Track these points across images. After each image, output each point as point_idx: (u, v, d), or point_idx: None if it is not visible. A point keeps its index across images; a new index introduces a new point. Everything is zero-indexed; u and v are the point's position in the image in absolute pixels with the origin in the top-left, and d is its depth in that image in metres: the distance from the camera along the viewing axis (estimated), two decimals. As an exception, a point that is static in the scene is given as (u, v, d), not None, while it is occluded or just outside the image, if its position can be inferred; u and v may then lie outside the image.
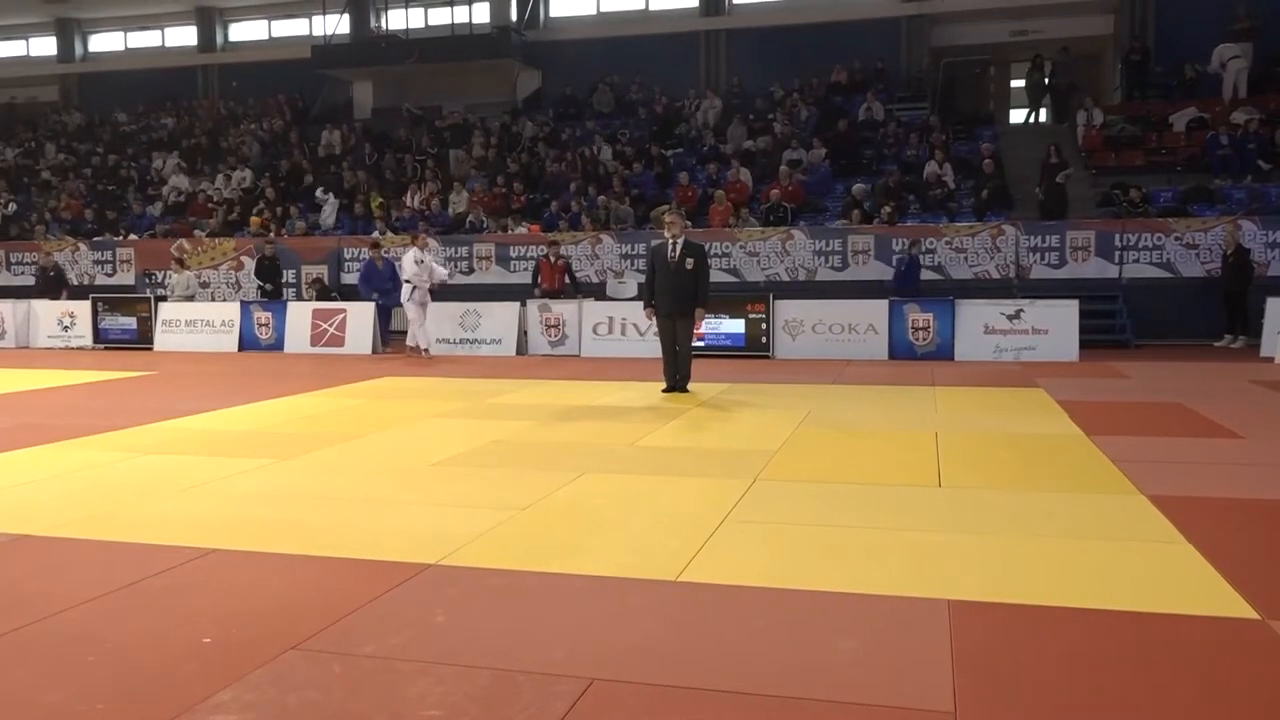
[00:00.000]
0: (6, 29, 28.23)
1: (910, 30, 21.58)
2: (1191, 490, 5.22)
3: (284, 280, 16.51)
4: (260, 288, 16.16)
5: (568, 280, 14.66)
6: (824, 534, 4.48)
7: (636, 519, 4.76)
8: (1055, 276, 14.33)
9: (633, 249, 15.64)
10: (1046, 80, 19.65)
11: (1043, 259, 14.44)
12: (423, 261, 13.38)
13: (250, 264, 17.19)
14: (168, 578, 3.92)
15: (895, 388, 9.78)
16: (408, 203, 19.06)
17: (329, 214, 18.89)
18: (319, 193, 19.35)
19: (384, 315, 14.28)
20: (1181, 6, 19.63)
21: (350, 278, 16.63)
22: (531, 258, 16.06)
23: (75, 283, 18.04)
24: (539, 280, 14.76)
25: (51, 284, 17.01)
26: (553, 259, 14.70)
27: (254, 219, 18.97)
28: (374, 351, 14.08)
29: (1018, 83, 22.71)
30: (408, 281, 13.41)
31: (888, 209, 15.38)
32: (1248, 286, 13.12)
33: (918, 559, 4.06)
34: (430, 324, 13.74)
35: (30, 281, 17.91)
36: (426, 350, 13.49)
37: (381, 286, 14.02)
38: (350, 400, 9.18)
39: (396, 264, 14.31)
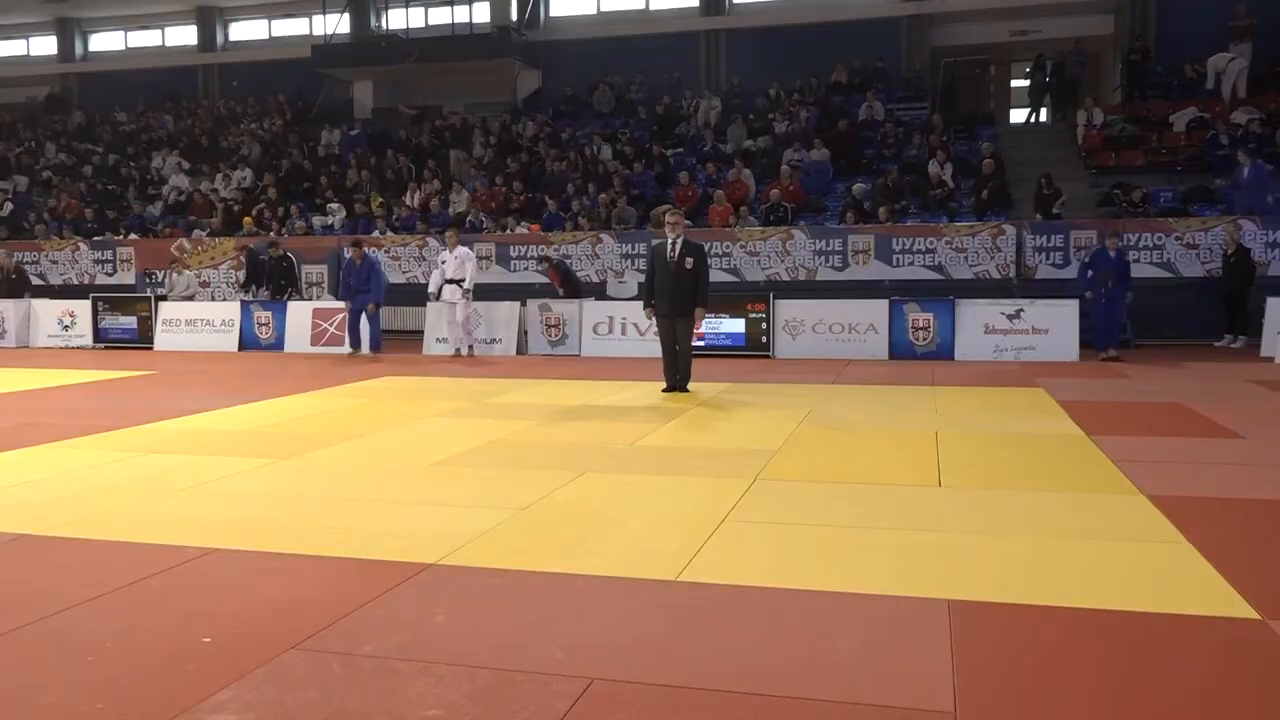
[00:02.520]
0: (6, 28, 28.23)
1: (910, 30, 21.58)
2: (1191, 490, 5.22)
3: (296, 281, 16.19)
4: (275, 286, 15.75)
5: (564, 283, 14.53)
6: (824, 534, 4.48)
7: (636, 519, 4.76)
8: (1059, 276, 14.34)
9: (633, 249, 15.63)
10: (1047, 79, 19.66)
11: (1047, 259, 14.45)
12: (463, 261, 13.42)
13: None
14: (168, 578, 3.92)
15: (895, 388, 9.78)
16: (407, 202, 19.06)
17: (336, 223, 18.84)
18: (330, 207, 19.28)
19: (355, 316, 13.91)
20: (1181, 6, 19.63)
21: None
22: (531, 257, 16.08)
23: (41, 283, 18.06)
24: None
25: (13, 286, 16.88)
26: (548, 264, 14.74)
27: (246, 219, 18.96)
28: (355, 351, 13.85)
29: (1018, 83, 22.77)
30: (451, 281, 13.36)
31: (885, 210, 15.36)
32: (1249, 286, 13.11)
33: (918, 559, 4.06)
34: (443, 324, 13.84)
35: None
36: (471, 350, 13.55)
37: (361, 287, 13.74)
38: (350, 400, 9.18)
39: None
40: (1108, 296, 12.17)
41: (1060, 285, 13.99)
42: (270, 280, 15.63)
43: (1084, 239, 14.39)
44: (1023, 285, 14.16)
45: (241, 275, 16.51)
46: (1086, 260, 12.87)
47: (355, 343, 13.80)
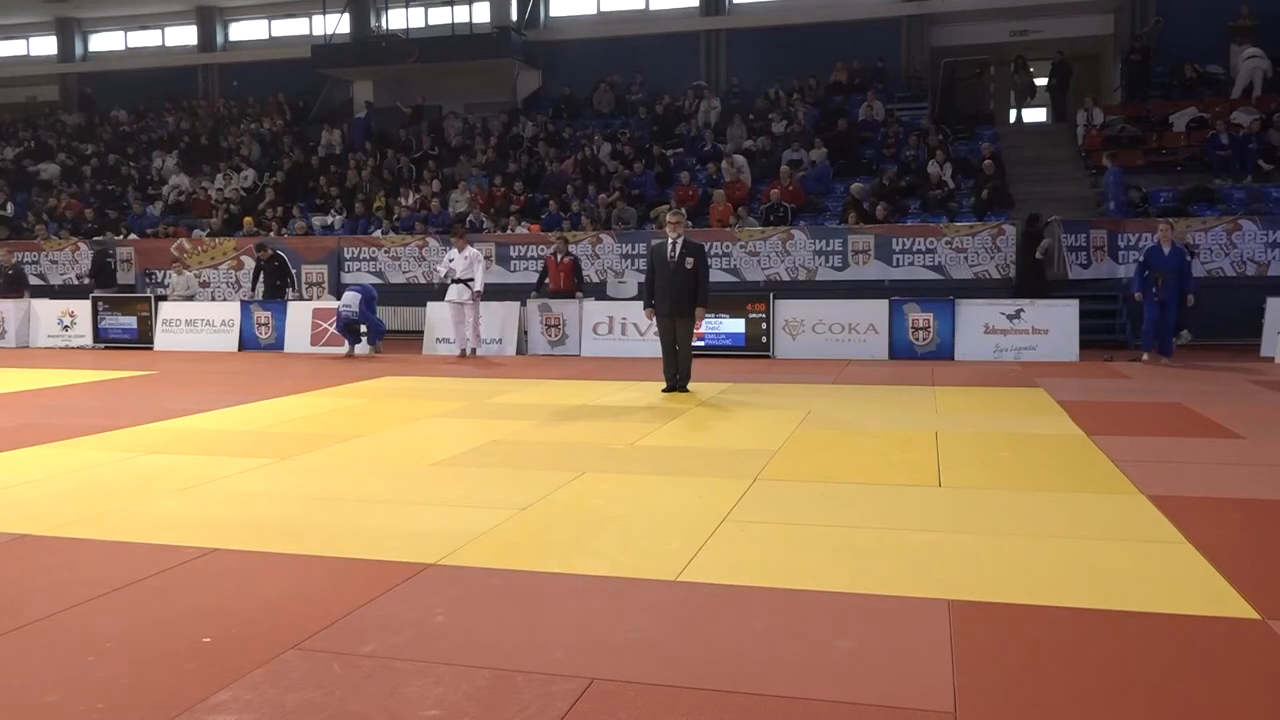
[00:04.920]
0: (6, 29, 28.23)
1: (910, 30, 21.57)
2: (1191, 490, 5.22)
3: (289, 281, 16.15)
4: (269, 286, 15.67)
5: (576, 279, 14.20)
6: (824, 534, 4.48)
7: (636, 519, 4.76)
8: (1084, 277, 14.35)
9: (633, 249, 15.63)
10: (1050, 81, 19.66)
11: (1076, 258, 14.45)
12: (471, 260, 13.39)
13: (250, 263, 17.19)
14: (168, 578, 3.92)
15: (895, 388, 9.78)
16: (404, 202, 19.04)
17: (336, 223, 18.84)
18: (333, 212, 19.27)
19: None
20: (1182, 7, 19.62)
21: (348, 277, 16.60)
22: (532, 257, 16.02)
23: (41, 283, 18.08)
24: (544, 281, 14.44)
25: (11, 283, 16.88)
26: (559, 257, 14.28)
27: (247, 219, 18.97)
28: (352, 352, 13.86)
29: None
30: (459, 281, 13.35)
31: (883, 208, 15.32)
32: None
33: (918, 559, 4.06)
34: (446, 324, 13.86)
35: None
36: (474, 350, 13.52)
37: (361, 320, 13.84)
38: (350, 400, 9.18)
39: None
40: (1161, 296, 11.53)
41: (1079, 285, 13.97)
42: (266, 282, 15.58)
43: (1099, 238, 14.39)
44: (1060, 286, 14.04)
45: (243, 275, 16.56)
46: (1141, 259, 12.18)
47: (354, 341, 13.84)
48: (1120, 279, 14.13)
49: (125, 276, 18.21)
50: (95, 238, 18.88)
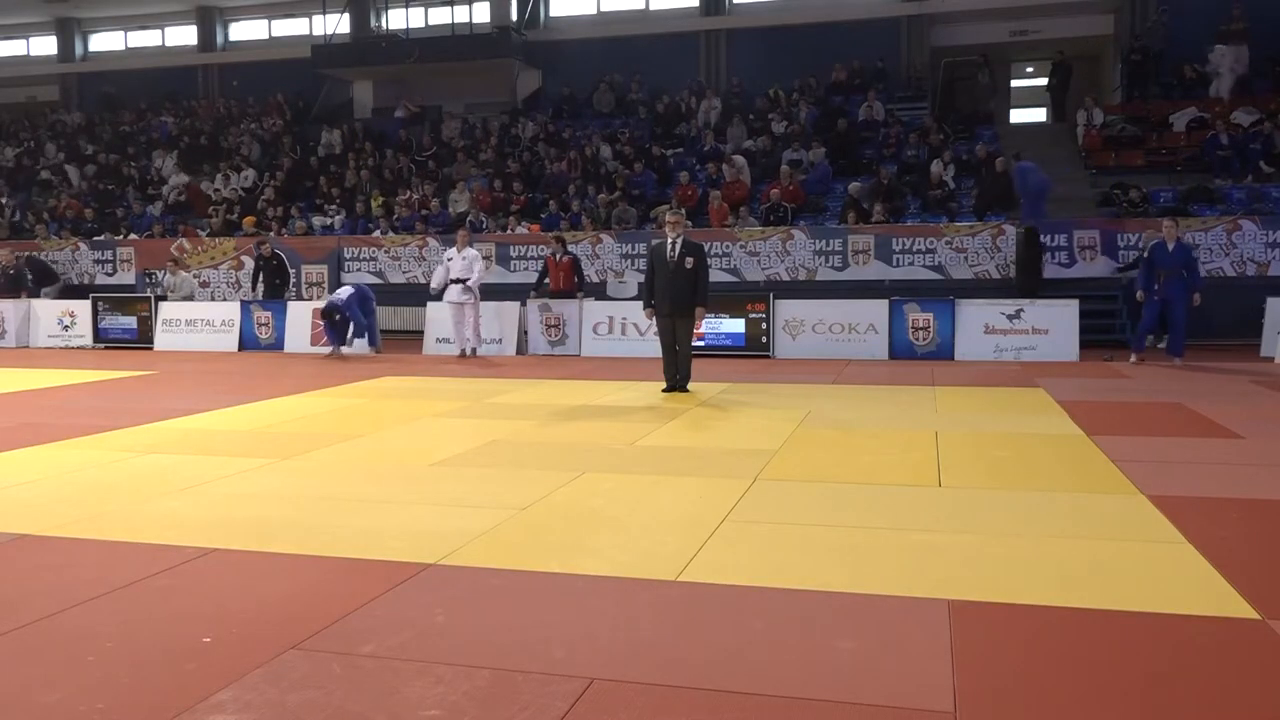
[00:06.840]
0: (6, 29, 28.23)
1: (910, 30, 21.58)
2: (1191, 490, 5.22)
3: (289, 279, 16.12)
4: (269, 285, 15.60)
5: (576, 279, 14.13)
6: (824, 534, 4.48)
7: (636, 519, 4.76)
8: (1066, 276, 14.35)
9: (633, 249, 15.63)
10: (1050, 80, 19.69)
11: (1053, 258, 14.45)
12: (468, 259, 13.37)
13: (250, 263, 17.19)
14: (168, 578, 3.92)
15: (895, 388, 9.78)
16: (404, 201, 19.04)
17: (336, 223, 18.85)
18: (331, 209, 19.27)
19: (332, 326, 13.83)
20: (1181, 7, 19.63)
21: (349, 278, 16.57)
22: (532, 257, 16.01)
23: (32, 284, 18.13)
24: (544, 281, 14.39)
25: (11, 282, 16.90)
26: (558, 256, 14.20)
27: (246, 220, 18.97)
28: (336, 350, 13.81)
29: (1018, 82, 22.78)
30: (457, 281, 13.32)
31: (881, 208, 15.31)
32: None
33: (918, 559, 4.06)
34: (446, 324, 13.86)
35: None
36: (474, 350, 13.49)
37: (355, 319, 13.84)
38: (350, 400, 9.18)
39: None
40: (1162, 294, 11.34)
41: (1068, 285, 13.96)
42: (265, 280, 15.57)
43: (1088, 238, 14.39)
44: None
45: (243, 275, 16.57)
46: (1146, 255, 11.88)
47: (351, 341, 13.80)
48: (1114, 277, 14.13)
49: (125, 276, 18.23)
50: (246, 237, 18.41)
